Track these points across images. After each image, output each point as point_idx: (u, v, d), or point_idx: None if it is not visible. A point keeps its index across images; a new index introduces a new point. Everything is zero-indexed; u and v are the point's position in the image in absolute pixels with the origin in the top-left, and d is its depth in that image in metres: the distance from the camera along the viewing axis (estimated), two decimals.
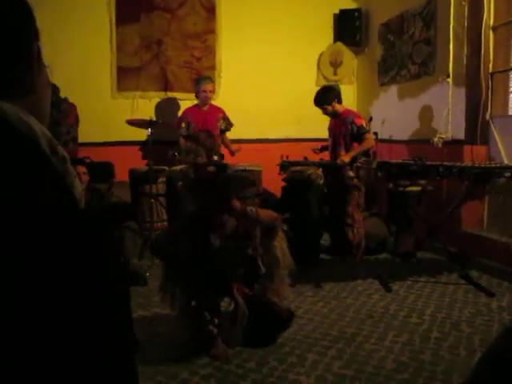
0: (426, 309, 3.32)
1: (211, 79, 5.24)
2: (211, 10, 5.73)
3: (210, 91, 5.07)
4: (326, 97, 4.24)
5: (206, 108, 5.14)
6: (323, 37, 6.16)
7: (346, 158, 4.06)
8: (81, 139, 5.50)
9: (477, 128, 4.33)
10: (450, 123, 4.54)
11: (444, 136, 4.54)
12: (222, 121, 5.21)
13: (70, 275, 0.51)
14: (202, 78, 5.19)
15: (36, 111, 0.61)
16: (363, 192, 4.22)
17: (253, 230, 2.71)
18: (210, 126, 5.13)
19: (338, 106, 4.25)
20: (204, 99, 5.07)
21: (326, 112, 4.28)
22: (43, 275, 0.49)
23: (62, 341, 0.50)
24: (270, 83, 5.91)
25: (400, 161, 3.86)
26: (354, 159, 4.03)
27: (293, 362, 2.57)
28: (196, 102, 5.23)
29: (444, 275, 4.03)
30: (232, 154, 5.14)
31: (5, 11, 0.60)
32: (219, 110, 5.24)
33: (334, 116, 4.30)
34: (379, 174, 3.52)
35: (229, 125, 5.24)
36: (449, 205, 4.09)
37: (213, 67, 5.80)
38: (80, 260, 0.52)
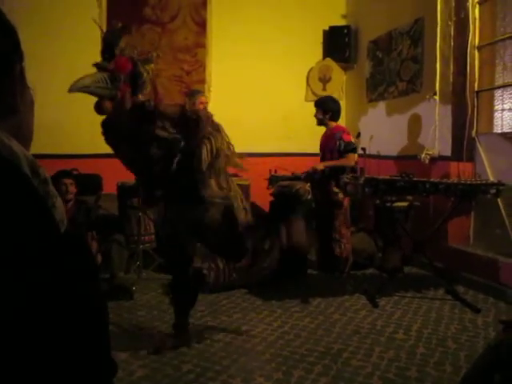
0: (412, 325, 3.33)
1: (202, 92, 5.24)
2: (202, 25, 5.78)
3: (202, 103, 5.05)
4: (326, 104, 4.33)
5: None
6: (313, 52, 6.23)
7: (318, 166, 4.21)
8: (69, 151, 5.47)
9: (463, 145, 4.39)
10: (437, 140, 4.60)
11: (431, 152, 4.60)
12: None
13: (47, 297, 0.50)
14: (195, 92, 5.19)
15: (18, 132, 0.61)
16: (347, 208, 4.25)
17: None
18: None
19: (328, 119, 4.31)
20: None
21: (315, 113, 4.33)
22: (20, 294, 0.49)
23: (35, 359, 0.49)
24: (259, 97, 5.95)
25: (387, 177, 3.89)
26: (336, 172, 4.07)
27: (279, 378, 2.55)
28: None
29: (431, 291, 4.05)
30: None
31: None
32: None
33: (317, 123, 4.37)
34: (366, 189, 3.55)
35: None
36: (436, 220, 4.12)
37: (203, 81, 5.82)
38: (57, 281, 0.52)
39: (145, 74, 2.66)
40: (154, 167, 2.63)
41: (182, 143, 2.61)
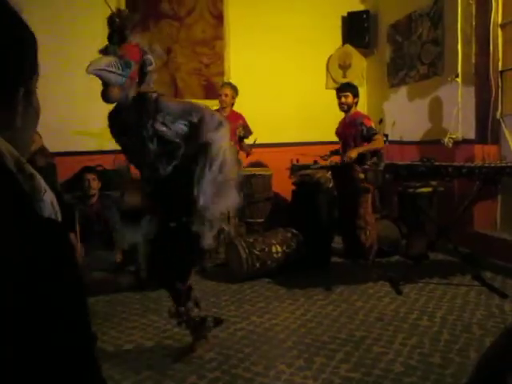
0: (437, 311, 3.29)
1: (231, 84, 5.21)
2: (219, 17, 5.78)
3: (226, 95, 5.04)
4: (356, 89, 4.26)
5: (225, 113, 5.10)
6: (332, 39, 6.17)
7: (352, 153, 3.99)
8: (93, 148, 5.59)
9: (487, 127, 4.28)
10: (460, 123, 4.50)
11: (454, 136, 4.50)
12: (240, 128, 5.15)
13: (27, 285, 0.53)
14: (222, 83, 5.29)
15: (12, 144, 0.62)
16: (374, 194, 4.19)
17: None
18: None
19: (354, 105, 4.23)
20: (220, 103, 5.10)
21: (345, 99, 4.18)
22: None
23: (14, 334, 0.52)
24: (279, 87, 5.93)
25: (408, 162, 3.83)
26: (362, 158, 3.98)
27: (300, 365, 2.57)
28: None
29: (457, 277, 3.99)
30: (247, 154, 5.16)
31: None
32: (239, 116, 5.19)
33: (345, 109, 4.21)
34: (387, 176, 3.50)
35: (248, 133, 5.17)
36: (461, 205, 4.05)
37: (221, 73, 5.84)
38: (34, 267, 0.54)
39: (153, 64, 2.49)
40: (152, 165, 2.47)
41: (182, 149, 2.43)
